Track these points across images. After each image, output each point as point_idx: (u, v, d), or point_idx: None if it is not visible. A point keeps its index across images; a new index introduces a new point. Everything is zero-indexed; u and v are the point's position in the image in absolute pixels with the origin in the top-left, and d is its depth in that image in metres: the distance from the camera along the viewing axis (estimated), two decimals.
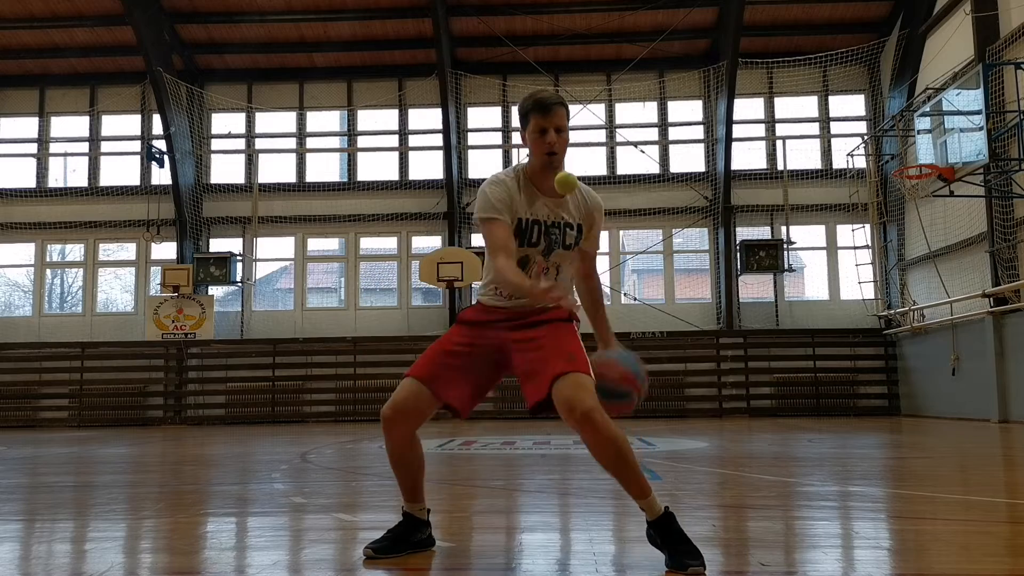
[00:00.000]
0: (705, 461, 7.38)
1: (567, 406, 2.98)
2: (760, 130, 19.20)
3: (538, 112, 3.20)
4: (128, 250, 19.78)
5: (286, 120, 19.76)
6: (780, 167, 18.48)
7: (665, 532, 3.04)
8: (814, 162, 18.88)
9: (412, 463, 3.33)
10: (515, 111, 18.91)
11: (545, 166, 3.21)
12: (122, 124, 19.98)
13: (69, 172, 19.93)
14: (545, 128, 3.19)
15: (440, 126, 18.68)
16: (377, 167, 19.60)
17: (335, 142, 20.14)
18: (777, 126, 19.16)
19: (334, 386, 18.23)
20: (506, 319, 3.28)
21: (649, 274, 20.56)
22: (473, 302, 3.48)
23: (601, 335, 3.43)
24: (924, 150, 14.33)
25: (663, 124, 19.26)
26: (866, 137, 18.29)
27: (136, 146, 19.77)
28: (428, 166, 19.45)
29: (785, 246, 17.92)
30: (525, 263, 3.26)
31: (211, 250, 19.27)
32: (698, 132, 19.26)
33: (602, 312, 3.48)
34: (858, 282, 17.79)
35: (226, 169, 19.87)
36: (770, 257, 17.86)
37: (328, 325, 18.76)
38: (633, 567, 3.15)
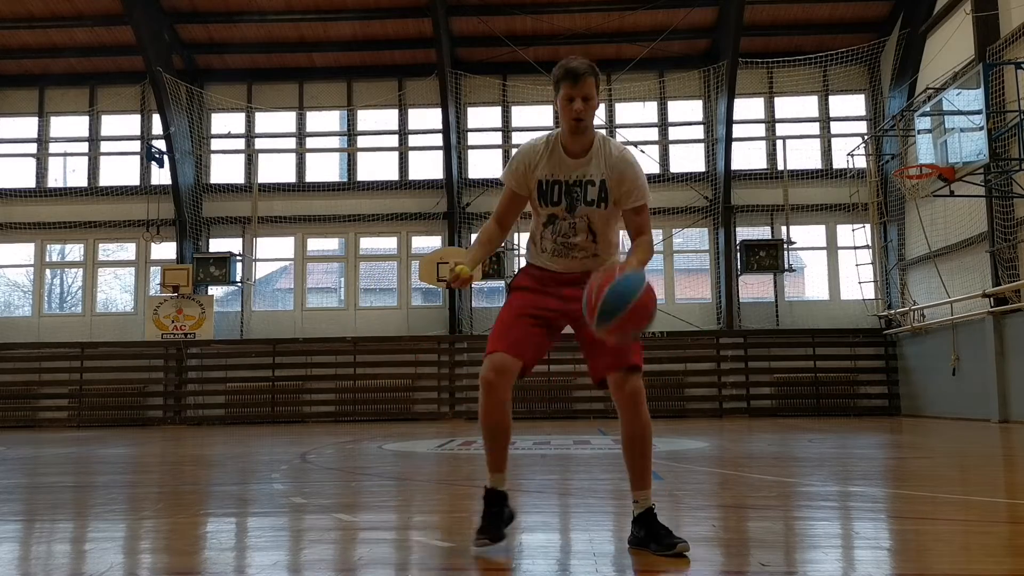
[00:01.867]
0: (705, 461, 7.38)
1: (620, 382, 3.34)
2: (760, 130, 19.20)
3: (568, 81, 3.39)
4: (128, 250, 19.77)
5: (286, 120, 19.75)
6: (780, 167, 18.48)
7: (651, 523, 3.31)
8: (814, 162, 18.88)
9: (507, 428, 3.49)
10: (515, 111, 18.87)
11: (573, 131, 3.42)
12: (122, 124, 19.97)
13: (69, 172, 19.93)
14: (573, 97, 3.37)
15: (440, 126, 18.67)
16: (377, 167, 19.59)
17: (335, 142, 20.14)
18: (777, 126, 19.15)
19: (334, 386, 18.22)
20: (556, 282, 3.52)
21: (649, 274, 20.50)
22: (520, 265, 3.74)
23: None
24: (924, 150, 14.32)
25: (663, 124, 19.25)
26: (866, 137, 18.28)
27: (136, 146, 19.76)
28: (428, 166, 19.44)
29: (785, 246, 17.91)
30: (553, 220, 3.50)
31: (211, 250, 19.26)
32: (698, 132, 19.26)
33: (637, 253, 3.44)
34: (858, 282, 17.78)
35: (226, 169, 19.86)
36: (770, 257, 17.85)
37: (328, 325, 18.75)
38: (633, 567, 3.14)
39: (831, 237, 18.75)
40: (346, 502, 5.19)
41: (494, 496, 3.47)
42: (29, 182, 19.78)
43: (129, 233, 19.35)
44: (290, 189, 19.31)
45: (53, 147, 19.92)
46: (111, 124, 19.97)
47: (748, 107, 18.99)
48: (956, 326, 15.09)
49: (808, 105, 19.16)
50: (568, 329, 3.59)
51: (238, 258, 18.91)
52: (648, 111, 19.35)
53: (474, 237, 19.46)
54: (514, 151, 3.58)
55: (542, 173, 3.48)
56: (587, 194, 3.45)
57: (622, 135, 19.01)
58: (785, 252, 17.91)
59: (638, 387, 3.31)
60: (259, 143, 19.85)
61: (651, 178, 18.56)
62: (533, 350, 3.47)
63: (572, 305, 3.39)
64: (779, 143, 18.70)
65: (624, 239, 3.64)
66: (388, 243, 19.54)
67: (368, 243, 19.57)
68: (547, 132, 3.56)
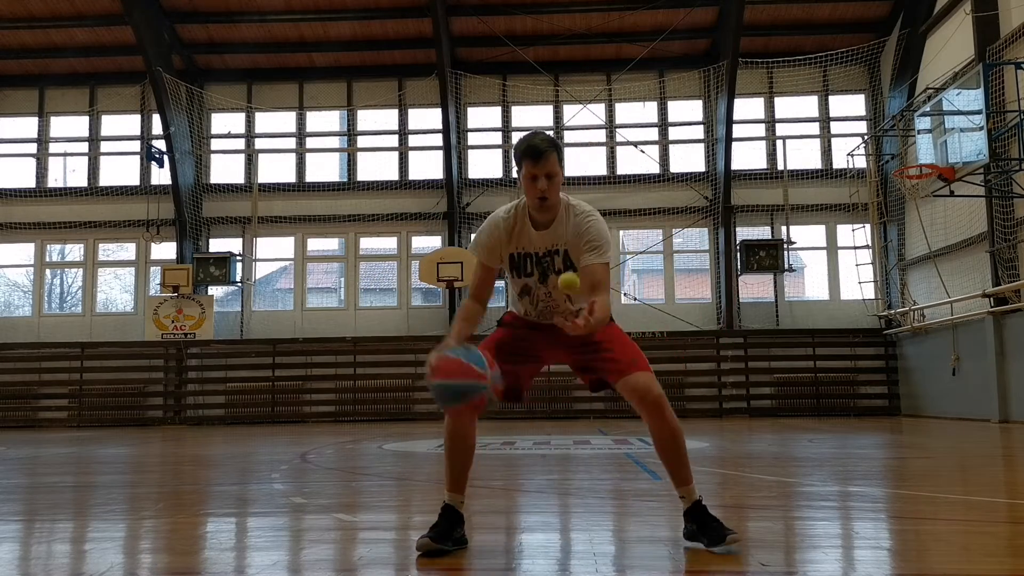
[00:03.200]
0: (705, 461, 7.37)
1: (642, 391, 3.35)
2: (760, 130, 19.19)
3: (529, 159, 3.38)
4: (128, 250, 19.77)
5: (286, 120, 19.75)
6: (780, 167, 18.48)
7: (702, 516, 3.35)
8: (814, 162, 18.88)
9: (468, 448, 3.44)
10: (515, 111, 18.86)
11: (538, 209, 3.45)
12: (122, 124, 19.97)
13: (69, 172, 19.92)
14: (536, 175, 3.37)
15: (440, 126, 18.67)
16: (377, 167, 19.59)
17: (335, 142, 20.14)
18: (777, 126, 19.15)
19: (334, 386, 18.23)
20: (550, 327, 3.49)
21: (649, 274, 20.56)
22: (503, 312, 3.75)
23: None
24: (924, 150, 14.32)
25: (663, 124, 19.25)
26: (866, 137, 18.28)
27: (136, 146, 19.76)
28: (428, 166, 19.44)
29: (785, 246, 17.91)
30: (528, 291, 3.56)
31: (211, 250, 19.26)
32: (698, 132, 19.26)
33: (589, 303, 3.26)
34: (858, 282, 17.79)
35: (226, 169, 19.86)
36: (770, 257, 17.85)
37: (328, 325, 18.75)
38: (633, 567, 3.15)
39: (831, 237, 18.75)
40: (346, 502, 5.19)
41: (451, 512, 3.39)
42: (29, 182, 19.78)
43: (129, 233, 19.35)
44: (290, 189, 19.31)
45: (53, 147, 19.92)
46: (111, 124, 19.97)
47: (748, 107, 18.99)
48: (956, 326, 15.10)
49: (808, 105, 19.16)
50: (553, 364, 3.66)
51: (238, 258, 18.91)
52: (648, 111, 19.35)
53: (472, 237, 19.47)
54: (480, 230, 3.57)
55: (512, 247, 3.52)
56: (554, 264, 3.48)
57: (622, 135, 19.02)
58: (785, 252, 17.91)
59: (659, 392, 3.36)
60: (259, 143, 19.85)
61: (651, 178, 18.70)
62: (516, 376, 3.50)
63: (562, 336, 3.34)
64: (779, 143, 18.70)
65: None
66: (388, 243, 19.53)
67: (368, 243, 19.57)
68: (512, 203, 3.55)
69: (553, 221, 3.47)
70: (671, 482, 3.48)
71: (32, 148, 19.91)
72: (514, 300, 3.66)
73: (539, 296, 3.54)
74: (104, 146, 19.94)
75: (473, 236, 3.64)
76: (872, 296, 17.88)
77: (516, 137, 19.27)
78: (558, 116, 19.27)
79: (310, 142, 19.89)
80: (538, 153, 3.36)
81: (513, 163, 3.54)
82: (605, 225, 3.47)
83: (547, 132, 3.56)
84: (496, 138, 19.53)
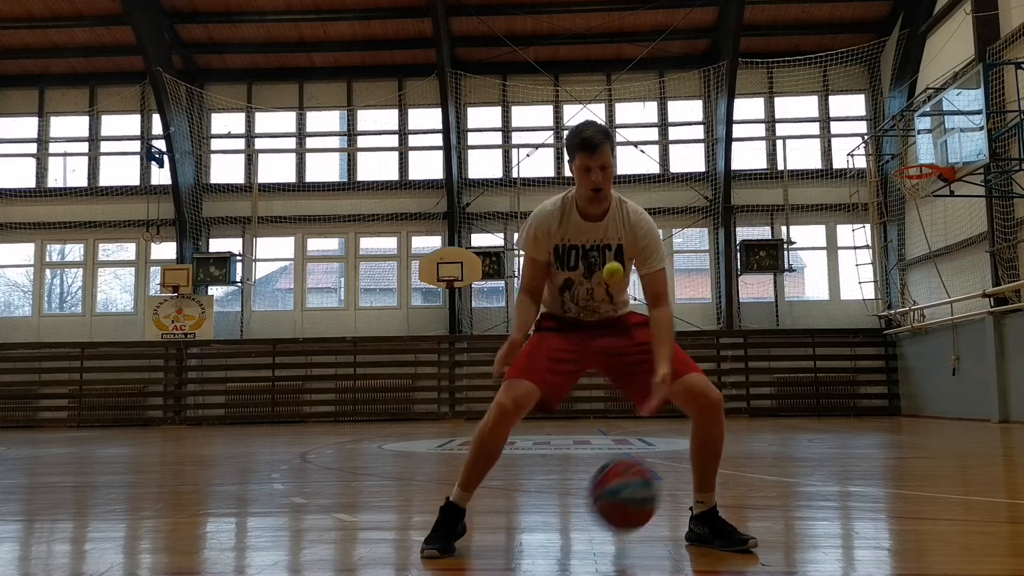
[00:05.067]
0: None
1: (700, 391, 3.27)
2: (760, 130, 19.19)
3: (584, 152, 3.31)
4: (128, 250, 19.77)
5: (286, 120, 19.75)
6: (780, 167, 18.48)
7: (714, 522, 3.34)
8: (814, 162, 18.88)
9: (497, 456, 3.42)
10: (515, 111, 18.79)
11: (592, 200, 3.37)
12: (122, 124, 19.97)
13: (69, 172, 19.93)
14: (590, 167, 3.31)
15: (440, 126, 18.67)
16: (377, 167, 19.59)
17: (335, 142, 20.14)
18: (777, 126, 19.15)
19: (334, 386, 18.22)
20: (581, 326, 3.51)
21: None
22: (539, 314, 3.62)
23: (655, 363, 3.31)
24: (924, 150, 14.32)
25: (663, 124, 19.25)
26: (866, 137, 18.28)
27: (136, 146, 19.76)
28: (428, 166, 19.44)
29: (785, 246, 17.91)
30: (570, 285, 3.47)
31: (211, 250, 19.26)
32: (698, 132, 19.26)
33: (663, 348, 3.27)
34: (858, 282, 17.78)
35: (226, 169, 19.86)
36: (770, 257, 17.85)
37: (328, 325, 18.75)
38: (633, 567, 3.15)
39: (831, 237, 18.75)
40: (346, 502, 5.19)
41: (454, 510, 3.37)
42: (29, 182, 19.78)
43: (129, 233, 19.35)
44: (290, 189, 19.31)
45: (53, 147, 19.92)
46: (111, 124, 19.97)
47: (748, 107, 18.99)
48: (956, 326, 15.10)
49: (808, 105, 19.16)
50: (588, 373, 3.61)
51: (238, 258, 18.91)
52: (648, 111, 19.35)
53: (474, 239, 19.40)
54: (528, 222, 3.48)
55: (557, 238, 3.42)
56: (605, 259, 3.40)
57: (622, 135, 19.02)
58: (785, 252, 17.91)
59: (719, 394, 3.29)
60: (259, 143, 19.84)
61: (651, 178, 18.70)
62: (556, 387, 3.43)
63: (602, 341, 3.42)
64: (779, 143, 18.71)
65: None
66: (388, 243, 19.54)
67: (368, 243, 19.57)
68: (560, 194, 3.47)
69: (605, 214, 3.39)
70: (694, 485, 3.40)
71: (32, 148, 19.91)
72: (552, 296, 3.54)
73: (580, 293, 3.46)
74: (104, 146, 19.94)
75: (519, 232, 3.54)
76: (872, 296, 17.88)
77: (516, 137, 19.33)
78: (558, 116, 19.27)
79: (310, 142, 19.89)
80: (593, 145, 3.28)
81: (515, 161, 3.49)
82: (658, 230, 3.48)
83: (597, 123, 3.46)
84: (496, 138, 19.53)
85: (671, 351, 3.25)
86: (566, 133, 3.46)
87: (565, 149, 3.44)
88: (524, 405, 3.33)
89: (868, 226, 18.03)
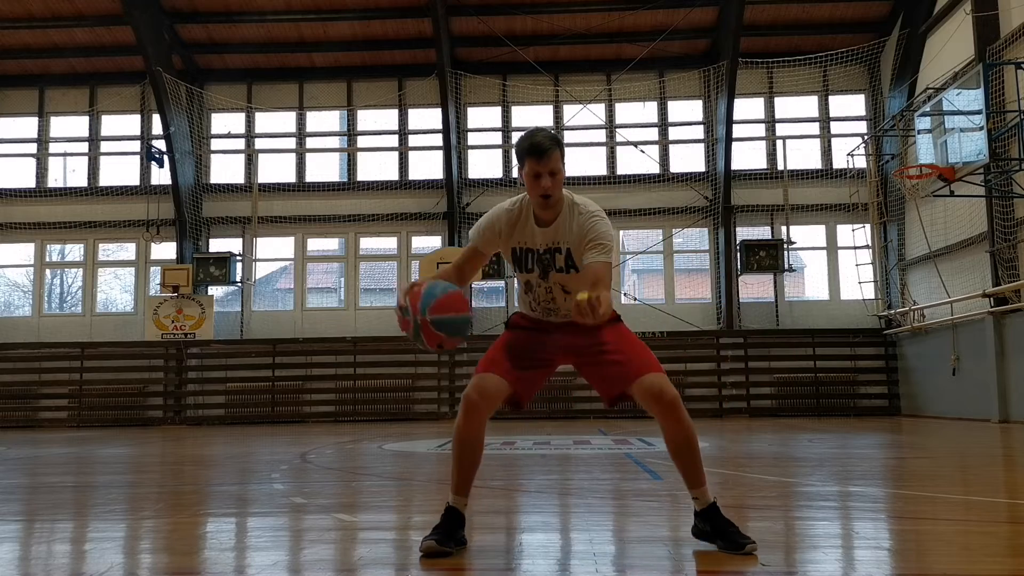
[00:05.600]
0: (706, 461, 7.33)
1: (656, 392, 3.32)
2: (760, 130, 19.19)
3: (532, 157, 3.34)
4: (128, 250, 19.77)
5: (286, 120, 19.75)
6: (780, 167, 18.48)
7: (715, 520, 3.34)
8: (814, 162, 18.88)
9: (477, 452, 3.44)
10: (515, 111, 18.80)
11: (542, 207, 3.41)
12: (122, 124, 19.97)
13: (69, 172, 19.92)
14: (539, 173, 3.33)
15: (440, 126, 18.67)
16: (377, 167, 19.59)
17: (335, 142, 20.14)
18: (777, 126, 19.15)
19: (334, 386, 18.23)
20: (549, 325, 3.55)
21: (649, 274, 20.57)
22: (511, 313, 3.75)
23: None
24: (924, 150, 14.32)
25: (663, 124, 19.25)
26: (866, 137, 18.28)
27: (136, 146, 19.76)
28: (428, 166, 19.44)
29: (785, 246, 17.91)
30: (530, 287, 3.55)
31: (211, 250, 19.26)
32: (698, 132, 19.26)
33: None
34: (858, 282, 17.78)
35: (226, 169, 19.86)
36: (770, 257, 17.85)
37: (328, 325, 18.75)
38: (633, 567, 3.15)
39: (831, 237, 18.75)
40: (346, 502, 5.19)
41: (455, 514, 3.39)
42: (29, 182, 19.78)
43: (129, 233, 19.35)
44: (290, 189, 19.31)
45: (53, 147, 19.92)
46: (111, 124, 19.97)
47: (748, 107, 18.99)
48: (956, 326, 15.10)
49: (808, 105, 19.16)
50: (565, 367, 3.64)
51: (238, 258, 18.91)
52: (648, 111, 19.35)
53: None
54: (485, 215, 3.57)
55: (514, 241, 3.49)
56: (555, 261, 3.45)
57: (622, 135, 19.02)
58: (785, 252, 17.91)
59: (674, 393, 3.32)
60: (259, 143, 19.84)
61: (651, 178, 18.70)
62: (526, 382, 3.46)
63: (569, 339, 3.46)
64: (779, 143, 18.70)
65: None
66: (388, 243, 19.53)
67: (368, 243, 19.57)
68: (518, 197, 3.53)
69: (556, 218, 3.43)
70: (684, 485, 3.44)
71: (32, 148, 19.91)
72: (521, 295, 3.64)
73: (540, 294, 3.52)
74: (104, 146, 19.94)
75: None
76: (872, 296, 17.88)
77: (516, 137, 19.29)
78: (558, 116, 19.26)
79: (310, 142, 19.89)
80: (541, 151, 3.32)
81: (514, 162, 3.50)
82: (610, 225, 3.45)
83: (548, 129, 3.49)
84: (496, 138, 19.53)
85: (601, 300, 3.13)
86: (515, 139, 3.49)
87: (515, 155, 3.48)
88: (491, 397, 3.38)
89: (868, 226, 18.03)
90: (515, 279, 3.72)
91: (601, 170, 19.03)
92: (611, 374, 3.42)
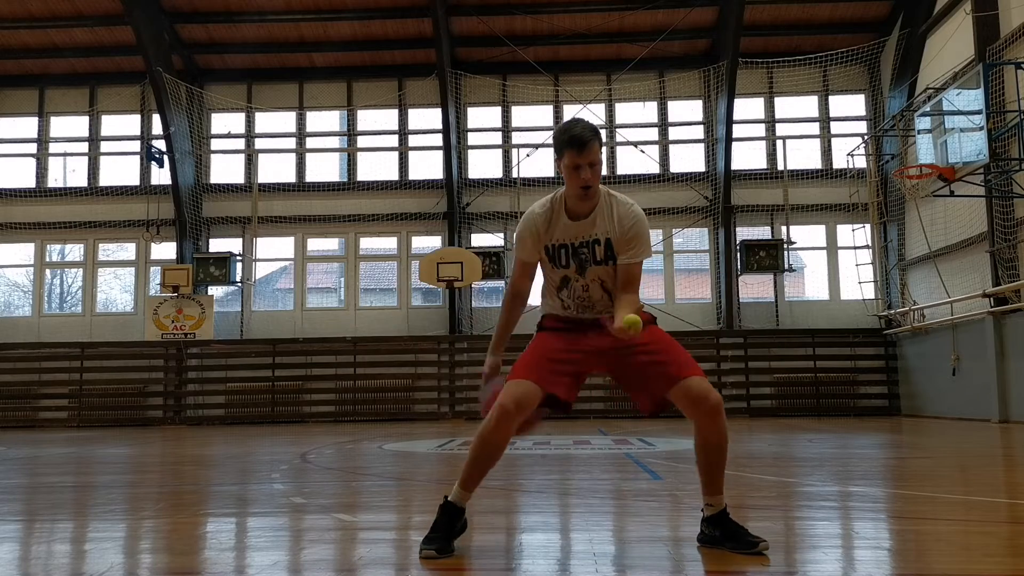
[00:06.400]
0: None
1: (699, 396, 3.26)
2: (760, 130, 19.19)
3: (572, 149, 3.31)
4: (128, 250, 19.77)
5: (286, 120, 19.75)
6: (780, 167, 18.48)
7: (725, 524, 3.33)
8: (814, 162, 18.88)
9: (497, 456, 3.41)
10: (515, 111, 18.74)
11: (581, 198, 3.39)
12: (122, 124, 19.97)
13: (69, 172, 19.92)
14: (579, 165, 3.32)
15: (440, 126, 18.67)
16: (377, 167, 19.59)
17: (335, 142, 20.14)
18: (777, 126, 19.15)
19: (334, 386, 18.23)
20: (582, 325, 3.48)
21: (649, 274, 20.54)
22: (541, 315, 3.64)
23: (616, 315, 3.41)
24: (924, 150, 14.32)
25: (663, 124, 19.25)
26: (866, 137, 18.28)
27: (136, 146, 19.76)
28: (428, 166, 19.44)
29: (785, 246, 17.91)
30: (566, 282, 3.50)
31: (211, 250, 19.26)
32: (698, 132, 19.26)
33: (623, 307, 3.33)
34: (858, 282, 17.78)
35: (226, 169, 19.86)
36: (770, 257, 17.86)
37: (328, 325, 18.75)
38: (633, 567, 3.15)
39: (831, 237, 18.74)
40: (346, 502, 5.19)
41: (452, 510, 3.37)
42: (29, 182, 19.78)
43: (129, 233, 19.35)
44: (290, 189, 19.31)
45: (53, 147, 19.92)
46: (111, 124, 19.97)
47: (748, 107, 18.99)
48: (956, 326, 15.09)
49: (808, 105, 19.16)
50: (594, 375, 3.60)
51: (238, 258, 18.91)
52: (648, 111, 19.35)
53: (474, 238, 19.33)
54: (519, 224, 3.53)
55: (548, 238, 3.46)
56: (595, 254, 3.42)
57: (622, 135, 19.03)
58: (785, 252, 17.91)
59: (719, 397, 3.28)
60: (259, 143, 19.84)
61: (651, 178, 18.70)
62: (563, 388, 3.38)
63: (605, 340, 3.37)
64: (779, 143, 18.71)
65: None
66: (388, 243, 19.53)
67: (368, 243, 19.57)
68: (549, 195, 3.50)
69: (593, 210, 3.40)
70: (702, 489, 3.40)
71: (32, 148, 19.91)
72: (551, 295, 3.55)
73: (576, 290, 3.46)
74: (104, 146, 19.94)
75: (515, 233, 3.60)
76: (872, 296, 17.88)
77: (516, 137, 19.33)
78: (558, 116, 19.26)
79: (310, 142, 19.89)
80: (582, 143, 3.29)
81: (515, 161, 3.48)
82: (647, 224, 3.45)
83: (585, 120, 3.45)
84: (496, 138, 19.53)
85: (630, 308, 3.25)
86: (553, 131, 3.46)
87: (553, 147, 3.44)
88: (526, 405, 3.32)
89: (868, 226, 18.03)
90: (542, 277, 3.62)
91: (601, 170, 18.98)
92: (651, 375, 3.35)
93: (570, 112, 19.08)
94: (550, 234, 3.45)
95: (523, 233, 3.50)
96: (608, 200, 3.43)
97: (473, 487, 3.40)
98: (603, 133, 19.10)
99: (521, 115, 19.49)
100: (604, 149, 3.50)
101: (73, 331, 18.91)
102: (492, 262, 17.97)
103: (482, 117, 19.66)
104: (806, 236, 18.77)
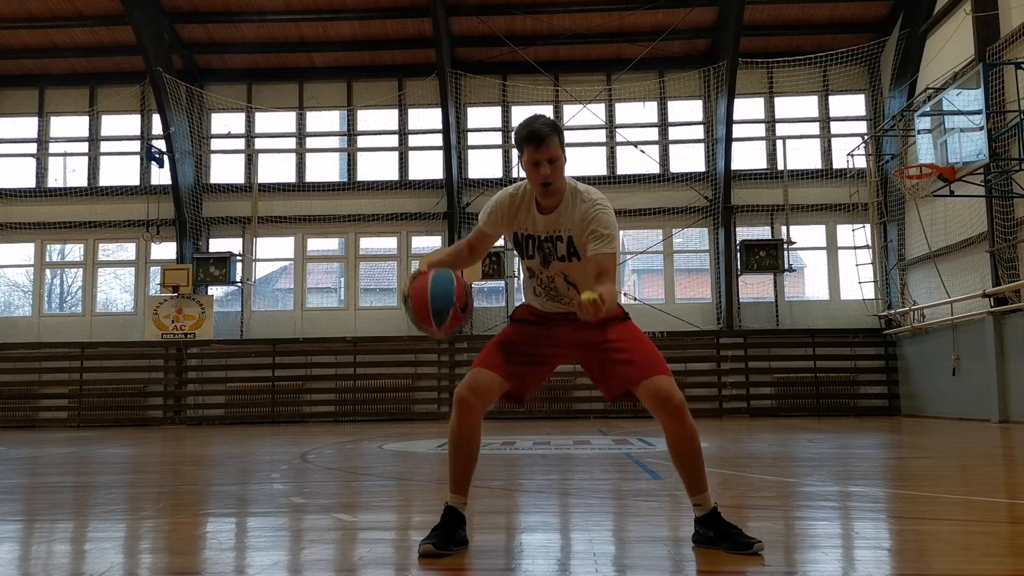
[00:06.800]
0: (706, 461, 7.36)
1: (663, 396, 3.28)
2: (760, 130, 19.19)
3: (531, 144, 3.30)
4: (128, 250, 19.77)
5: (286, 120, 19.75)
6: (780, 167, 18.48)
7: (718, 524, 3.32)
8: (814, 162, 18.88)
9: (473, 450, 3.42)
10: (515, 111, 18.81)
11: (542, 195, 3.38)
12: (122, 124, 19.96)
13: (69, 172, 19.92)
14: (538, 161, 3.30)
15: (440, 126, 18.67)
16: (377, 167, 19.58)
17: (335, 142, 20.13)
18: (777, 126, 19.15)
19: (334, 386, 18.23)
20: (552, 319, 3.51)
21: (649, 274, 20.55)
22: (517, 304, 3.69)
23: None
24: (924, 150, 14.32)
25: (663, 124, 19.25)
26: (866, 137, 18.28)
27: (136, 146, 19.76)
28: (428, 166, 19.44)
29: (785, 246, 17.91)
30: (532, 273, 3.53)
31: (211, 250, 19.26)
32: (698, 132, 19.25)
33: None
34: (858, 282, 17.78)
35: (226, 169, 19.85)
36: (770, 257, 17.86)
37: (328, 325, 18.75)
38: (633, 567, 3.15)
39: (831, 237, 18.74)
40: (346, 502, 5.19)
41: (454, 514, 3.38)
42: (29, 182, 19.78)
43: (129, 233, 19.35)
44: (290, 189, 19.31)
45: (53, 147, 19.92)
46: (111, 124, 19.97)
47: (748, 107, 18.99)
48: (956, 326, 15.09)
49: (808, 105, 19.16)
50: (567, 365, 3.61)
51: (238, 258, 18.91)
52: (648, 111, 19.34)
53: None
54: (493, 197, 3.57)
55: (516, 226, 3.47)
56: (557, 249, 3.41)
57: (622, 135, 19.02)
58: (785, 252, 17.91)
59: (681, 398, 3.29)
60: (259, 143, 19.84)
61: (651, 178, 18.69)
62: (523, 378, 3.42)
63: (574, 335, 3.41)
64: (779, 143, 18.70)
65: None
66: (388, 243, 19.53)
67: (368, 243, 19.57)
68: (523, 182, 3.49)
69: (558, 206, 3.40)
70: (686, 490, 3.41)
71: (32, 148, 19.91)
72: (525, 281, 3.61)
73: (543, 280, 3.49)
74: (104, 146, 19.94)
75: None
76: (872, 296, 17.88)
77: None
78: (558, 116, 19.25)
79: (310, 142, 19.89)
80: (539, 138, 3.28)
81: (515, 161, 3.49)
82: (613, 215, 3.39)
83: (545, 116, 3.46)
84: (496, 138, 19.53)
85: (604, 297, 3.09)
86: (514, 128, 3.45)
87: (514, 144, 3.45)
88: (485, 394, 3.36)
89: (868, 226, 18.03)
90: (518, 265, 3.69)
91: (601, 170, 19.04)
92: (617, 373, 3.38)
93: (570, 112, 19.09)
94: (518, 222, 3.46)
95: (491, 206, 3.51)
96: (574, 196, 3.40)
97: (463, 490, 3.41)
98: (603, 133, 19.22)
99: (521, 115, 19.20)
100: (565, 144, 3.43)
101: (73, 331, 18.91)
102: (492, 262, 17.96)
103: (482, 117, 19.66)
104: (806, 236, 18.77)
